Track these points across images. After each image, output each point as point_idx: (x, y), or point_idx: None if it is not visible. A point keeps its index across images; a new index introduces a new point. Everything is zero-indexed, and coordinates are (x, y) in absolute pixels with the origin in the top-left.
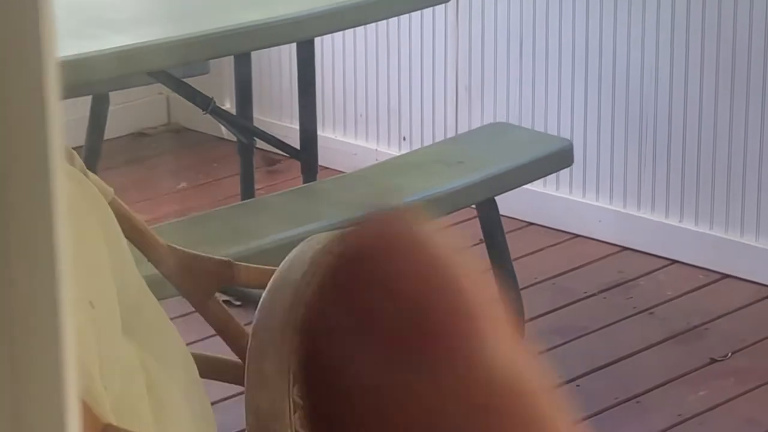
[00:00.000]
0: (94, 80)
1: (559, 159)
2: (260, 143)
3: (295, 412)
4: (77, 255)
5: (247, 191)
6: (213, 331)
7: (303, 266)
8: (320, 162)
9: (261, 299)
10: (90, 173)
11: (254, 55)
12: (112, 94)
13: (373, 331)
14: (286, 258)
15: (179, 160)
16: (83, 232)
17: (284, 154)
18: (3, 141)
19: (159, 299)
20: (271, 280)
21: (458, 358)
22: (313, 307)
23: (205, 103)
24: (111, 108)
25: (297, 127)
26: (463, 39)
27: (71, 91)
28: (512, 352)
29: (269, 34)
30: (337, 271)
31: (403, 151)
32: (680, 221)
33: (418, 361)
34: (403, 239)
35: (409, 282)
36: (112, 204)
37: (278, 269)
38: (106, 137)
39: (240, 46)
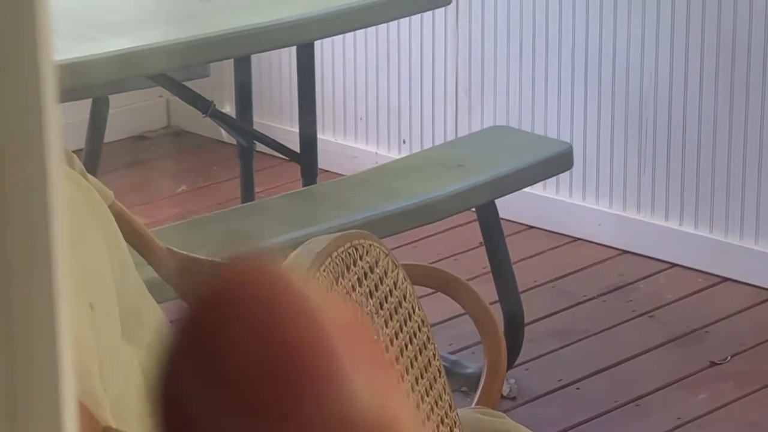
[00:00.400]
0: (94, 83)
1: (558, 162)
2: (260, 146)
3: None
4: (77, 257)
5: (247, 194)
6: None
7: (303, 269)
8: (320, 165)
9: None
10: (90, 176)
11: (254, 58)
12: (112, 97)
13: (228, 381)
14: (286, 261)
15: (179, 163)
16: (83, 235)
17: (284, 157)
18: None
19: (159, 302)
20: None
21: (314, 407)
22: (170, 358)
23: (205, 107)
24: (111, 111)
25: (297, 130)
26: (462, 42)
27: (71, 94)
28: (378, 390)
29: (269, 37)
30: (197, 316)
31: (403, 154)
32: (680, 224)
33: (274, 412)
34: (264, 284)
35: (269, 331)
36: (112, 207)
37: None
38: (106, 140)
39: (240, 50)
